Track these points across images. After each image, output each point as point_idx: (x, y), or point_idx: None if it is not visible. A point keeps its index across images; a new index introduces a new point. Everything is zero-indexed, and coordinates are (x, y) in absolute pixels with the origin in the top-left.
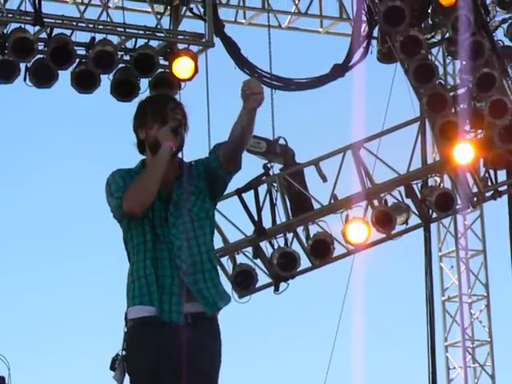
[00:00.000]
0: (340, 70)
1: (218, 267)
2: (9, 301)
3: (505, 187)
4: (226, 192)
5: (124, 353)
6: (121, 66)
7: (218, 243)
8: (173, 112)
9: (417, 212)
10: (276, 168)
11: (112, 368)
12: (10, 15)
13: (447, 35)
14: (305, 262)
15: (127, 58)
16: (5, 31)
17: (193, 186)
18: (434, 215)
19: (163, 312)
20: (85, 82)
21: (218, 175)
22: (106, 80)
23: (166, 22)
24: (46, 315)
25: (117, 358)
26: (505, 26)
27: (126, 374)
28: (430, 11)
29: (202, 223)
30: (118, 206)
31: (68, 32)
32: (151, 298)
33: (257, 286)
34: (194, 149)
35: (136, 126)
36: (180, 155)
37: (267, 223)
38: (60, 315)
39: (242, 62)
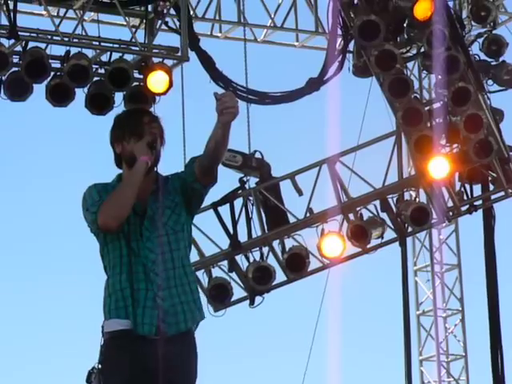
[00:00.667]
0: (315, 84)
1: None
2: None
3: (480, 201)
4: (202, 206)
5: (100, 366)
6: (96, 79)
7: (193, 257)
8: (149, 126)
9: (392, 226)
10: (252, 182)
11: (88, 381)
12: None
13: (422, 49)
14: (280, 276)
15: (102, 71)
16: None
17: (168, 199)
18: (410, 229)
19: (137, 325)
20: (59, 96)
21: (194, 189)
22: (80, 93)
23: (140, 36)
24: (19, 326)
25: (93, 370)
26: (480, 40)
27: None
28: (405, 25)
29: (178, 237)
30: (93, 220)
31: (43, 45)
32: (127, 311)
33: (232, 299)
34: (170, 162)
35: (112, 141)
36: (156, 169)
37: (243, 237)
38: (36, 327)
39: (217, 76)
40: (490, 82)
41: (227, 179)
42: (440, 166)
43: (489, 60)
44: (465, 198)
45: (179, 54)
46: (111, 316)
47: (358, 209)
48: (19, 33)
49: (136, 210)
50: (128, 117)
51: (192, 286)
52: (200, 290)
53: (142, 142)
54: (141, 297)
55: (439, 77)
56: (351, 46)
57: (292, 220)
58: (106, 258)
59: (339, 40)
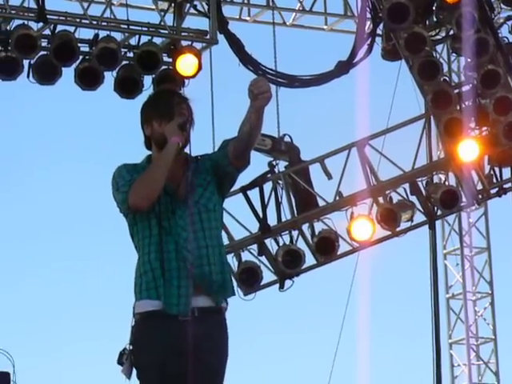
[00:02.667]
0: (344, 67)
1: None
2: (13, 297)
3: (510, 184)
4: (231, 189)
5: (131, 347)
6: (124, 62)
7: (223, 240)
8: (179, 107)
9: (422, 209)
10: (281, 165)
11: (119, 362)
12: (13, 11)
13: (451, 32)
14: (310, 260)
15: (131, 54)
16: (8, 28)
17: (200, 178)
18: (439, 212)
19: (170, 306)
20: (88, 79)
21: (227, 172)
22: (109, 77)
23: (169, 19)
24: (52, 310)
25: (124, 352)
26: (510, 22)
27: (134, 368)
28: (434, 8)
29: (210, 216)
30: (124, 200)
31: (71, 29)
32: (158, 292)
33: (262, 283)
34: (199, 146)
35: (142, 122)
36: (186, 150)
37: (272, 220)
38: (65, 310)
39: (246, 59)
40: None
41: (256, 163)
42: (469, 149)
43: None
44: (494, 180)
45: (208, 37)
46: (142, 297)
47: (387, 192)
48: (48, 16)
49: (167, 191)
50: (158, 98)
51: (225, 267)
52: None
53: (173, 123)
54: (173, 276)
55: (468, 59)
56: (380, 30)
57: (321, 203)
58: (136, 238)
59: (368, 23)
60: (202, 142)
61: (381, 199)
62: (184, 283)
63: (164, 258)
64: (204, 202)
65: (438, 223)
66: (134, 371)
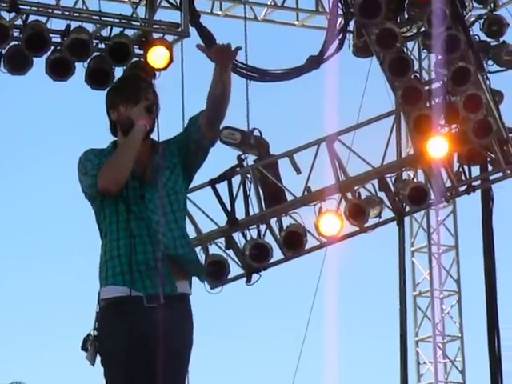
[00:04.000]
0: (315, 62)
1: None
2: None
3: (478, 182)
4: (199, 182)
5: (96, 333)
6: (96, 54)
7: (190, 233)
8: (145, 91)
9: (390, 205)
10: (250, 159)
11: (83, 348)
12: None
13: (423, 29)
14: (277, 254)
15: (102, 46)
16: None
17: (166, 161)
18: (408, 209)
19: (143, 289)
20: (59, 70)
21: (200, 146)
22: (80, 68)
23: (141, 12)
24: (12, 297)
25: (88, 338)
26: (481, 21)
27: (98, 354)
28: (406, 5)
29: (178, 197)
30: (93, 184)
31: (43, 19)
32: (124, 278)
33: (229, 276)
34: (169, 136)
35: (108, 107)
36: (154, 137)
37: (240, 214)
38: (28, 296)
39: None
40: (490, 62)
41: (225, 156)
42: (439, 146)
43: (489, 40)
44: (463, 178)
45: (180, 29)
46: (108, 283)
47: (356, 188)
48: (20, 6)
49: (134, 175)
50: (124, 82)
51: (192, 246)
52: None
53: (140, 106)
54: (148, 259)
55: (439, 56)
56: (351, 27)
57: (290, 198)
58: (103, 224)
59: (340, 19)
60: (172, 134)
61: (349, 195)
62: (160, 265)
63: (136, 242)
64: (171, 185)
65: (407, 220)
66: (99, 357)
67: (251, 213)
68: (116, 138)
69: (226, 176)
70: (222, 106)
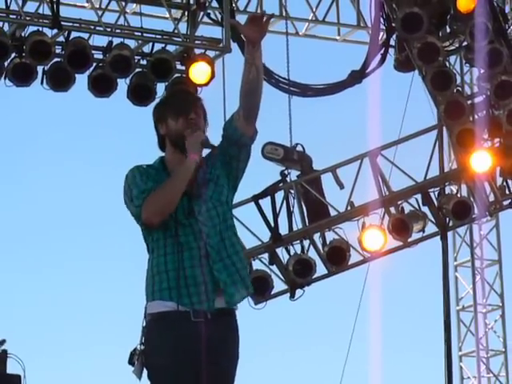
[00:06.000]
0: (357, 77)
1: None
2: (24, 300)
3: None
4: (242, 198)
5: (142, 347)
6: (138, 70)
7: None
8: (194, 105)
9: (433, 220)
10: (293, 175)
11: (130, 362)
12: (27, 18)
13: (465, 42)
14: (321, 269)
15: (144, 62)
16: (23, 34)
17: (209, 174)
18: (451, 223)
19: (188, 304)
20: (102, 86)
21: (241, 145)
22: (122, 84)
23: (183, 27)
24: (60, 312)
25: (135, 352)
26: None
27: (145, 369)
28: (448, 18)
29: (224, 208)
30: (137, 215)
31: (85, 36)
32: (171, 293)
33: (272, 292)
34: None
35: (156, 120)
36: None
37: (284, 230)
38: (74, 311)
39: None
40: None
41: (268, 172)
42: (482, 160)
43: None
44: (507, 192)
45: (221, 45)
46: (155, 297)
47: (399, 202)
48: (62, 23)
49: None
50: (173, 96)
51: (241, 254)
52: None
53: (197, 138)
54: (196, 273)
55: (482, 70)
56: (393, 40)
57: (333, 213)
58: (149, 239)
59: (381, 33)
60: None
61: (392, 209)
62: (208, 280)
63: (184, 257)
64: (217, 197)
65: (450, 235)
66: (145, 372)
67: (294, 228)
68: (163, 154)
69: (269, 191)
70: (257, 93)
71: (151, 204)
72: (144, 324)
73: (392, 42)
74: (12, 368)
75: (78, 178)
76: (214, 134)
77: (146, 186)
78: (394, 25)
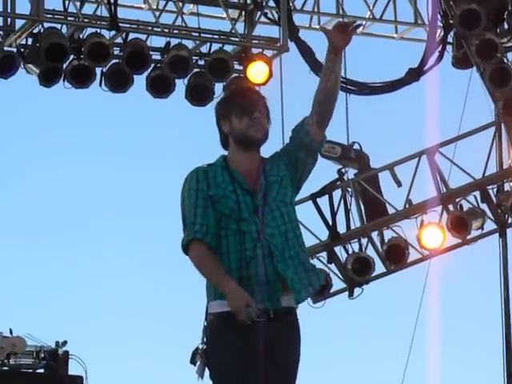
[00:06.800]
0: (415, 74)
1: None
2: (84, 301)
3: None
4: (300, 197)
5: (204, 347)
6: (195, 70)
7: None
8: (258, 104)
9: (492, 217)
10: (350, 173)
11: (192, 362)
12: (85, 20)
13: None
14: (379, 268)
15: (202, 62)
16: (81, 36)
17: (273, 175)
18: (510, 220)
19: (257, 303)
20: (160, 87)
21: (310, 150)
22: (180, 85)
23: (240, 27)
24: (122, 313)
25: (197, 351)
26: None
27: (207, 368)
28: (505, 15)
29: (288, 209)
30: (184, 245)
31: (143, 37)
32: None
33: (331, 291)
34: (269, 152)
35: (219, 118)
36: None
37: (341, 228)
38: (135, 312)
39: (316, 67)
40: None
41: (326, 170)
42: None
43: None
44: None
45: (279, 44)
46: (216, 297)
47: (457, 200)
48: (120, 24)
49: (245, 188)
50: (238, 94)
51: (307, 254)
52: None
53: (241, 297)
54: (259, 273)
55: None
56: (451, 37)
57: (391, 211)
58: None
59: (439, 31)
60: (271, 149)
61: (451, 207)
62: (270, 279)
63: (247, 255)
64: (281, 198)
65: (509, 231)
66: (207, 371)
67: (352, 226)
68: (226, 152)
69: (327, 190)
70: (333, 99)
71: (194, 259)
72: (205, 324)
73: (450, 39)
74: (74, 369)
75: (142, 179)
76: (273, 135)
77: (200, 218)
78: (451, 22)
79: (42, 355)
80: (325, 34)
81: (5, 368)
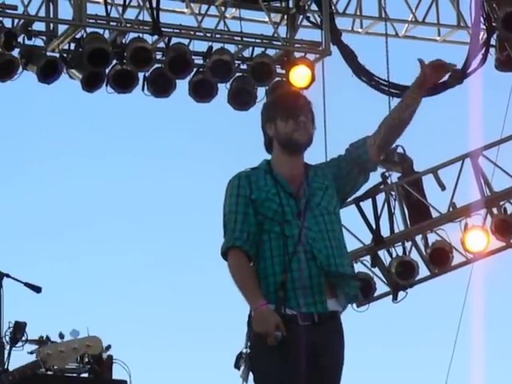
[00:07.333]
0: (458, 77)
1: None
2: (127, 305)
3: None
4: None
5: (248, 351)
6: (238, 74)
7: None
8: (304, 109)
9: None
10: (394, 177)
11: (236, 366)
12: (128, 25)
13: None
14: (423, 271)
15: (244, 66)
16: (123, 41)
17: (318, 182)
18: None
19: (295, 307)
20: (202, 91)
21: (365, 169)
22: (223, 89)
23: (282, 31)
24: (165, 317)
25: (241, 355)
26: None
27: (251, 372)
28: None
29: (332, 218)
30: (222, 251)
31: (186, 41)
32: (277, 296)
33: (375, 294)
34: (311, 155)
35: (265, 121)
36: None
37: (385, 232)
38: (179, 315)
39: (359, 70)
40: None
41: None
42: None
43: None
44: None
45: (321, 48)
46: None
47: (501, 203)
48: (162, 29)
49: (288, 191)
50: (285, 97)
51: (351, 264)
52: None
53: (270, 321)
54: (303, 276)
55: None
56: (494, 41)
57: (435, 214)
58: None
59: (482, 33)
60: (314, 152)
61: (495, 210)
62: (315, 283)
63: (291, 259)
64: (325, 205)
65: None
66: (251, 375)
67: (396, 230)
68: (269, 156)
69: (371, 194)
70: (402, 130)
71: (231, 266)
72: (248, 328)
73: (493, 42)
74: (118, 373)
75: (187, 181)
76: (316, 138)
77: (240, 224)
78: (494, 24)
79: (86, 359)
80: (420, 66)
81: (49, 373)
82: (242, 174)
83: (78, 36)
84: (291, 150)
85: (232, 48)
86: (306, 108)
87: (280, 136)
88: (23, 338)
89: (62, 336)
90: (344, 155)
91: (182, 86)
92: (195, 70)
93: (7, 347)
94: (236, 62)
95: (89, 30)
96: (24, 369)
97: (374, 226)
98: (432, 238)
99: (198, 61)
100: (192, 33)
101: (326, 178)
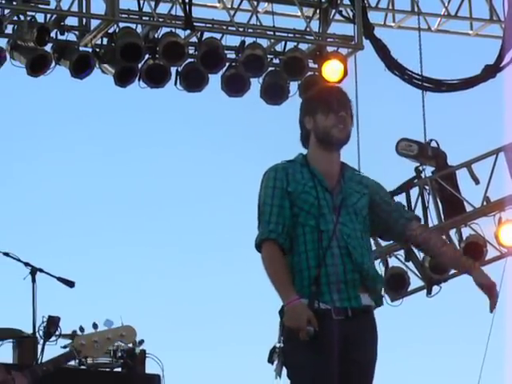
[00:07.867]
0: (491, 71)
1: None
2: (161, 300)
3: None
4: None
5: (281, 345)
6: (270, 69)
7: None
8: (345, 105)
9: None
10: (428, 171)
11: (270, 361)
12: (160, 19)
13: None
14: None
15: (277, 61)
16: (156, 35)
17: (358, 187)
18: None
19: (329, 302)
20: (235, 86)
21: (385, 232)
22: (255, 83)
23: (315, 25)
24: (198, 311)
25: (274, 350)
26: None
27: (285, 367)
28: None
29: (365, 221)
30: (256, 243)
31: (218, 36)
32: (312, 291)
33: (409, 289)
34: (344, 151)
35: (304, 114)
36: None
37: None
38: (212, 309)
39: (392, 64)
40: None
41: (403, 168)
42: None
43: None
44: None
45: (353, 42)
46: None
47: None
48: (195, 24)
49: (325, 186)
50: (328, 92)
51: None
52: None
53: (302, 316)
54: (338, 271)
55: None
56: None
57: (469, 209)
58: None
59: None
60: (346, 147)
61: None
62: (349, 278)
63: (326, 254)
64: (360, 207)
65: None
66: (285, 370)
67: (430, 224)
68: (304, 151)
69: (404, 188)
70: (424, 252)
71: (264, 259)
72: (281, 322)
73: None
74: (151, 368)
75: (222, 176)
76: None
77: (275, 216)
78: None
79: (119, 354)
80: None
81: (82, 367)
82: (279, 166)
83: (110, 31)
84: (328, 145)
85: (264, 42)
86: (348, 105)
87: (318, 130)
88: (57, 333)
89: (95, 326)
90: (392, 203)
91: (215, 80)
92: (227, 64)
93: (41, 342)
94: (268, 56)
95: (121, 24)
96: (58, 359)
97: None
98: (466, 232)
99: (231, 55)
100: (224, 27)
101: (367, 188)
